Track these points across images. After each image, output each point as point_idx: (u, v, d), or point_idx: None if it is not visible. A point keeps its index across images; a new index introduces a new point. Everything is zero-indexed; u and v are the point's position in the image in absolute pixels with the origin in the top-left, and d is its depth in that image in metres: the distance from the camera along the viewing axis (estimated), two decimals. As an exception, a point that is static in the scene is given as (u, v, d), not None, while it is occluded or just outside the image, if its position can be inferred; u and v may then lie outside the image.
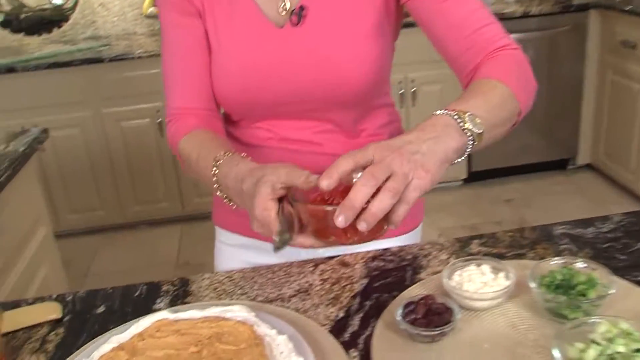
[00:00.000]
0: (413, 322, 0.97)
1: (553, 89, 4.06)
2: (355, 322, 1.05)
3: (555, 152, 4.34)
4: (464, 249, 1.24)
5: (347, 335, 1.02)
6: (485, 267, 1.08)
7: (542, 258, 1.15)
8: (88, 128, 3.84)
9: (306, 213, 0.94)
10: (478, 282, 1.05)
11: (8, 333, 1.12)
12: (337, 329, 1.03)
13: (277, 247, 0.93)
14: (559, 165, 4.38)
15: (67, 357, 1.03)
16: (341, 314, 1.07)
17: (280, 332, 0.98)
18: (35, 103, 3.72)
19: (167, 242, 3.94)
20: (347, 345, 0.99)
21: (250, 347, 0.96)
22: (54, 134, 3.57)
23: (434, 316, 0.98)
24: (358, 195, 0.85)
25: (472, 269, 1.08)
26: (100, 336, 1.06)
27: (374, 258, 1.24)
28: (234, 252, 1.44)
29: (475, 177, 4.24)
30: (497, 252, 1.21)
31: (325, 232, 0.93)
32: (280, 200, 0.96)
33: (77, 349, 1.05)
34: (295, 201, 0.95)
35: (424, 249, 1.26)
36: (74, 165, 3.89)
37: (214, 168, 1.09)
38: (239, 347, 0.97)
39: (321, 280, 1.18)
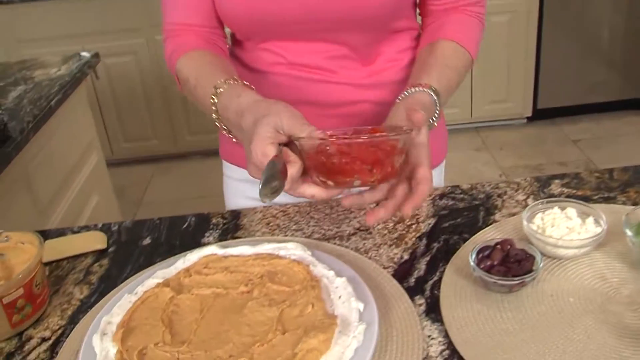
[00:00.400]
0: (489, 270, 0.86)
1: (632, 23, 3.75)
2: (421, 266, 0.94)
3: (629, 91, 4.04)
4: (544, 189, 1.11)
5: (412, 280, 0.92)
6: (571, 211, 0.95)
7: (635, 203, 1.02)
8: (142, 56, 3.79)
9: (322, 152, 0.82)
10: (563, 227, 0.93)
11: (52, 262, 1.06)
12: (401, 272, 0.93)
13: (265, 196, 0.78)
14: (633, 104, 4.09)
15: (111, 290, 0.97)
16: (405, 256, 0.97)
17: (338, 274, 0.89)
18: (88, 29, 3.67)
19: (220, 174, 3.89)
20: (412, 292, 0.89)
21: (305, 289, 0.87)
22: (107, 61, 3.53)
23: (512, 264, 0.86)
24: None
25: (556, 212, 0.96)
26: (145, 270, 0.99)
27: (442, 196, 1.12)
28: (240, 187, 1.32)
29: (540, 115, 4.02)
30: (582, 194, 1.08)
31: (345, 171, 0.82)
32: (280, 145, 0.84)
33: (121, 281, 0.99)
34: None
35: (498, 187, 1.13)
36: (127, 94, 3.86)
37: (213, 97, 0.97)
38: (293, 289, 0.88)
39: (383, 218, 1.07)
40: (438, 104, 0.98)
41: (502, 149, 3.81)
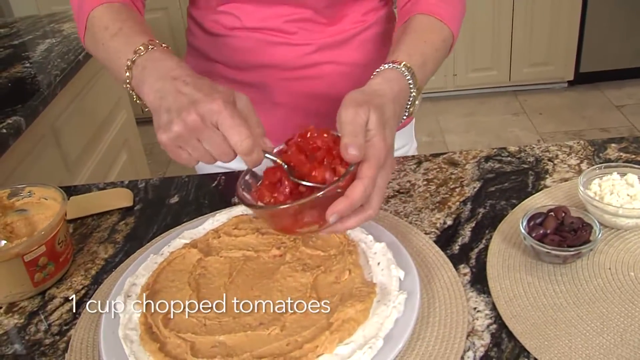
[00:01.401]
0: (541, 239, 0.79)
1: (685, -18, 3.55)
2: (465, 233, 0.88)
3: (678, 55, 3.86)
4: (599, 153, 1.03)
5: (456, 248, 0.85)
6: (632, 177, 0.87)
7: (702, 169, 0.93)
8: (173, 11, 3.75)
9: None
10: (623, 194, 0.85)
11: (76, 219, 1.02)
12: (444, 239, 0.87)
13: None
14: (682, 69, 3.90)
15: (136, 249, 0.92)
16: (449, 222, 0.90)
17: (377, 239, 0.83)
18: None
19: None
20: (456, 260, 0.83)
21: (341, 255, 0.81)
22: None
23: (568, 233, 0.79)
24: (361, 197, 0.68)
25: (615, 178, 0.88)
26: (172, 230, 0.94)
27: (487, 158, 1.05)
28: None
29: (583, 79, 3.86)
30: (641, 159, 1.00)
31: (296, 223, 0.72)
32: None
33: (147, 241, 0.94)
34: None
35: (548, 151, 1.05)
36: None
37: (133, 56, 0.80)
38: (328, 254, 0.83)
39: (425, 180, 1.00)
40: (412, 82, 0.81)
41: (541, 114, 3.68)
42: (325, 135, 0.73)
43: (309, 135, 0.73)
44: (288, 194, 0.71)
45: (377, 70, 0.82)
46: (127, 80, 0.80)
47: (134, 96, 0.81)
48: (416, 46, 0.87)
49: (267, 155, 0.71)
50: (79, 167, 1.87)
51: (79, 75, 1.84)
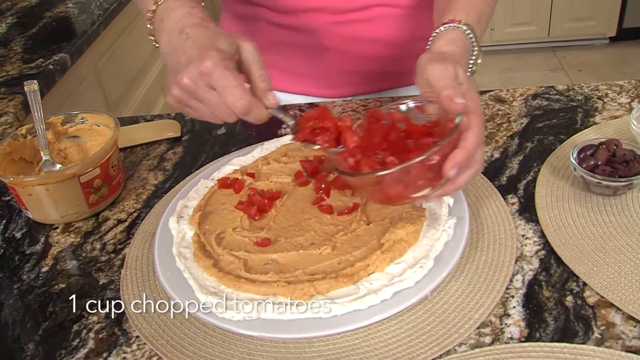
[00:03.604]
0: (592, 169, 0.79)
1: None
2: (513, 165, 0.88)
3: None
4: (651, 92, 1.01)
5: (504, 179, 0.85)
6: (686, 113, 0.86)
7: None
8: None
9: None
10: (678, 129, 0.84)
11: (125, 149, 1.04)
12: (492, 171, 0.87)
13: None
14: None
15: (185, 177, 0.94)
16: (496, 155, 0.90)
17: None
18: None
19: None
20: (504, 191, 0.83)
21: (390, 181, 0.82)
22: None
23: (620, 164, 0.79)
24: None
25: (668, 113, 0.87)
26: (220, 158, 0.96)
27: (535, 96, 1.04)
28: None
29: (625, 35, 3.74)
30: (694, 98, 0.98)
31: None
32: None
33: (196, 169, 0.96)
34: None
35: (598, 90, 1.04)
36: None
37: (153, 6, 0.79)
38: (377, 181, 0.83)
39: (472, 115, 1.00)
40: (474, 40, 0.79)
41: (580, 71, 3.60)
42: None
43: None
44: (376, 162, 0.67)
45: (436, 31, 0.79)
46: (151, 35, 0.79)
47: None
48: (470, 2, 0.84)
49: (270, 111, 0.69)
50: (120, 109, 1.90)
51: (120, 17, 1.86)
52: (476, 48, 0.79)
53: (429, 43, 0.79)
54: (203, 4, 0.81)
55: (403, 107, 0.72)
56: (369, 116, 0.72)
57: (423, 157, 0.62)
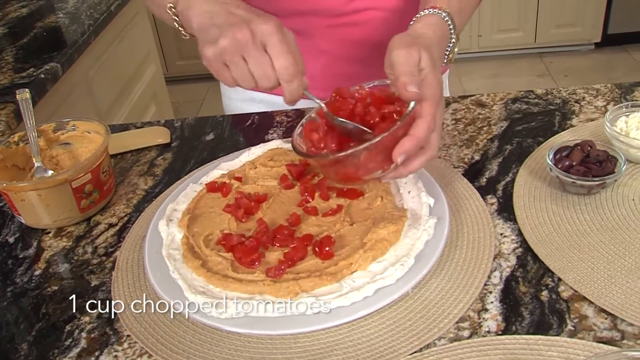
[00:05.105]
0: (567, 170, 0.82)
1: None
2: (493, 167, 0.91)
3: None
4: (626, 96, 1.04)
5: (483, 180, 0.88)
6: (659, 115, 0.89)
7: None
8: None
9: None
10: (649, 130, 0.87)
11: (116, 155, 1.06)
12: (472, 172, 0.90)
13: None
14: None
15: (174, 182, 0.97)
16: (476, 157, 0.93)
17: (407, 170, 0.86)
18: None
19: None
20: (484, 191, 0.86)
21: (373, 183, 0.85)
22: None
23: (593, 164, 0.82)
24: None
25: (641, 115, 0.90)
26: (209, 162, 0.98)
27: (515, 100, 1.07)
28: (243, 108, 1.22)
29: (610, 40, 3.80)
30: (668, 101, 1.01)
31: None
32: None
33: (185, 174, 0.98)
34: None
35: (575, 93, 1.07)
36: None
37: None
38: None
39: (454, 120, 1.03)
40: (452, 27, 0.82)
41: (566, 76, 3.65)
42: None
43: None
44: (337, 144, 0.72)
45: (417, 15, 0.82)
46: (171, 4, 0.80)
47: (176, 22, 0.81)
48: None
49: (305, 92, 0.73)
50: (110, 118, 1.92)
51: (110, 27, 1.88)
52: (454, 37, 0.82)
53: (409, 25, 0.82)
54: None
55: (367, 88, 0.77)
56: (336, 93, 0.76)
57: (368, 145, 0.67)
